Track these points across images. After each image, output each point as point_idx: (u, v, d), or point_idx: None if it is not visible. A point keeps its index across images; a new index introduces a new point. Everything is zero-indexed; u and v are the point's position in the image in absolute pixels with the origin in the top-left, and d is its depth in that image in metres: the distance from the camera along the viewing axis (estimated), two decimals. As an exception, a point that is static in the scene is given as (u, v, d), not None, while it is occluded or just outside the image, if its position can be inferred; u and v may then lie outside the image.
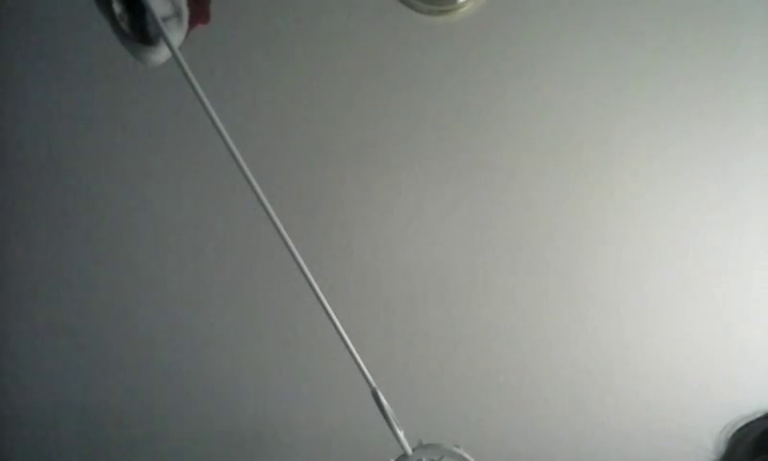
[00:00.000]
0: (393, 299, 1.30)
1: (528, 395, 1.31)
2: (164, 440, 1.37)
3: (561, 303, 1.28)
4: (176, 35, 0.69)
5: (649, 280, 1.26)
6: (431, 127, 1.24)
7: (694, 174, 1.23)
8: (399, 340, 1.31)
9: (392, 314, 1.30)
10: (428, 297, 1.29)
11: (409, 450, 0.78)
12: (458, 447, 0.79)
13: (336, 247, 1.28)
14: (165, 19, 0.67)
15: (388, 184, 1.27)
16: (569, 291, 1.28)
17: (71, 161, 1.29)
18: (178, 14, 0.69)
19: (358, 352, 0.76)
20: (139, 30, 0.68)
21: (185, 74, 0.66)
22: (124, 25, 0.68)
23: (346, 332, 0.75)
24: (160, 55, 0.70)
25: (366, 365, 0.76)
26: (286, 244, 0.72)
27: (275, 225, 0.72)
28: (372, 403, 0.76)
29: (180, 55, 0.67)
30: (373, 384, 0.76)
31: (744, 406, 0.57)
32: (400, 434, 0.77)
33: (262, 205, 0.71)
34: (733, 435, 0.57)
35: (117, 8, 0.67)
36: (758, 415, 0.56)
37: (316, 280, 0.74)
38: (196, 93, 0.67)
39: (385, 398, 0.76)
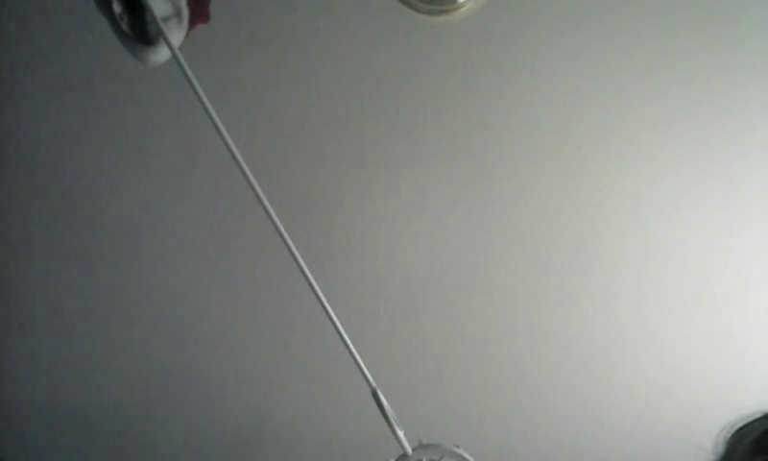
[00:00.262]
0: (393, 299, 1.30)
1: (528, 395, 1.31)
2: (164, 440, 1.37)
3: (561, 303, 1.28)
4: (176, 35, 0.69)
5: (649, 280, 1.26)
6: (431, 127, 1.24)
7: (694, 174, 1.23)
8: (399, 340, 1.31)
9: (392, 314, 1.30)
10: (428, 297, 1.29)
11: (409, 450, 0.78)
12: (458, 447, 0.79)
13: (336, 247, 1.28)
14: (165, 19, 0.67)
15: (388, 184, 1.27)
16: (569, 291, 1.28)
17: (71, 161, 1.29)
18: (178, 14, 0.69)
19: (358, 352, 0.76)
20: (139, 30, 0.68)
21: (185, 74, 0.66)
22: (124, 25, 0.68)
23: (346, 332, 0.75)
24: (160, 55, 0.70)
25: (366, 365, 0.76)
26: (286, 244, 0.72)
27: (275, 225, 0.72)
28: (372, 403, 0.76)
29: (179, 55, 0.67)
30: (373, 384, 0.76)
31: (743, 407, 0.57)
32: (400, 434, 0.77)
33: (262, 205, 0.71)
34: (733, 435, 0.57)
35: (117, 8, 0.67)
36: (758, 415, 0.56)
37: (316, 280, 0.74)
38: (196, 93, 0.67)
39: (385, 398, 0.76)
